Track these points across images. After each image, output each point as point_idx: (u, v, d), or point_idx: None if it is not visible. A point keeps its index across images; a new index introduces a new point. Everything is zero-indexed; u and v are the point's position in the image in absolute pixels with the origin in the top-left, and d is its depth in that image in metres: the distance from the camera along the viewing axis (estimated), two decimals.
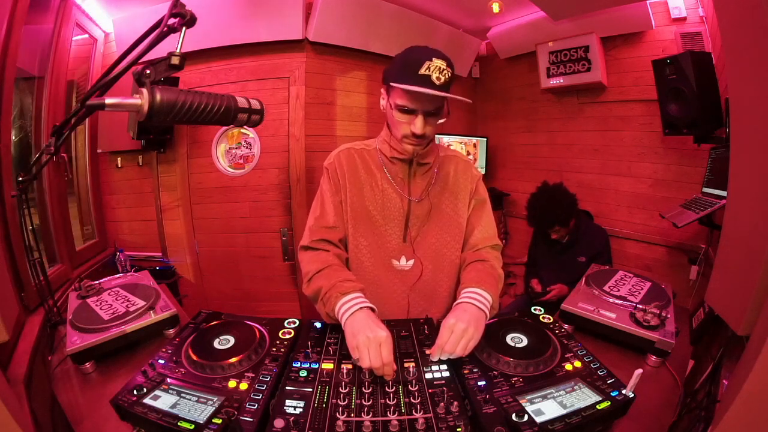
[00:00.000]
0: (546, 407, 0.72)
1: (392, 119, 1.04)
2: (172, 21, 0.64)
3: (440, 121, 1.03)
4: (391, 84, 0.97)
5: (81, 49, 2.32)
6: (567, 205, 2.16)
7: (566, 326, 1.09)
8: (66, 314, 1.17)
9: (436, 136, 1.13)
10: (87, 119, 2.33)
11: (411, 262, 1.13)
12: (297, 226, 2.67)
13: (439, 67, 0.93)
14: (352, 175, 1.12)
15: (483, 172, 3.35)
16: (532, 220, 2.26)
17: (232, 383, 0.81)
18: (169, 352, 0.92)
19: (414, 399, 0.75)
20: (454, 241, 1.15)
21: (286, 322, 1.05)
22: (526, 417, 0.69)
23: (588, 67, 2.60)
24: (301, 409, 0.72)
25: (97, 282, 1.38)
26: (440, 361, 0.86)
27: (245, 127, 0.91)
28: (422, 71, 0.92)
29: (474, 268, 1.06)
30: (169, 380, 0.81)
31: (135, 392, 0.76)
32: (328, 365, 0.85)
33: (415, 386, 0.78)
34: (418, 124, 0.99)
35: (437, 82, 0.93)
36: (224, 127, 2.57)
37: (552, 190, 2.22)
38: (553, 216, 2.15)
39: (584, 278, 1.31)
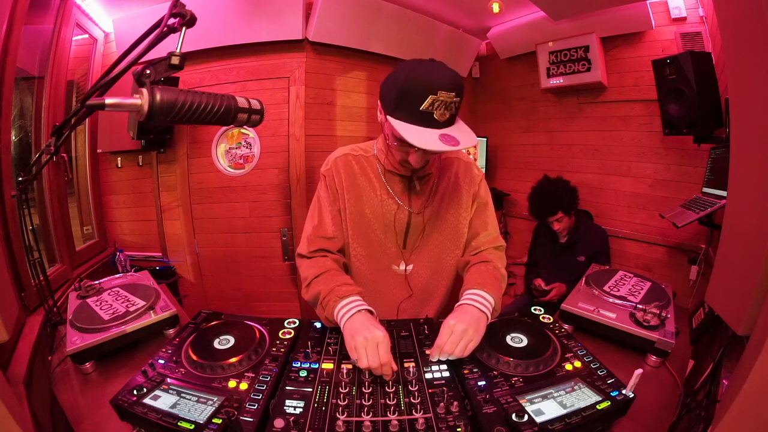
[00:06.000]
0: (546, 407, 0.72)
1: (389, 142, 0.96)
2: (172, 21, 0.64)
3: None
4: (388, 117, 0.87)
5: (81, 49, 2.32)
6: (569, 192, 2.18)
7: (566, 326, 1.09)
8: (66, 314, 1.17)
9: None
10: (87, 119, 2.33)
11: (410, 267, 1.13)
12: (297, 226, 2.67)
13: (446, 102, 0.80)
14: (350, 184, 1.08)
15: (483, 171, 3.35)
16: (535, 209, 2.27)
17: (232, 383, 0.81)
18: (169, 352, 0.92)
19: (414, 399, 0.75)
20: (454, 247, 1.14)
21: (286, 322, 1.05)
22: (526, 417, 0.69)
23: (588, 67, 2.60)
24: (301, 409, 0.72)
25: (97, 282, 1.38)
26: (440, 361, 0.86)
27: (245, 127, 0.90)
28: (424, 107, 0.80)
29: (477, 269, 1.05)
30: (169, 380, 0.81)
31: (135, 392, 0.76)
32: (328, 365, 0.85)
33: (415, 386, 0.78)
34: (416, 160, 0.93)
35: (441, 120, 0.81)
36: (224, 127, 2.57)
37: (554, 180, 2.26)
38: (556, 202, 2.15)
39: (584, 278, 1.31)
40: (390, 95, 0.86)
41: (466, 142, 0.82)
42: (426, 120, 0.81)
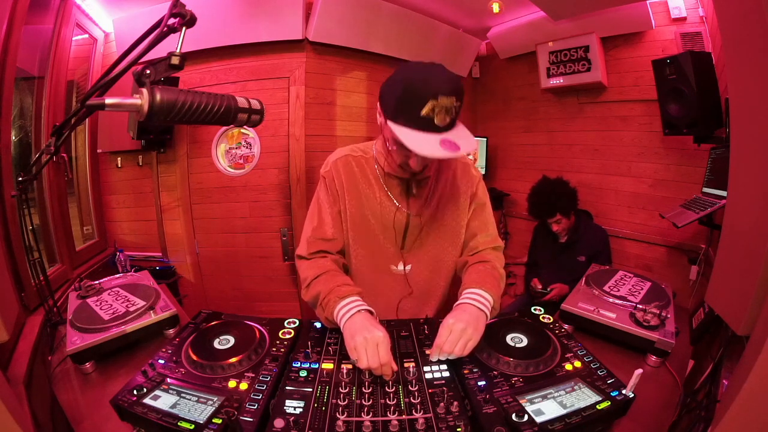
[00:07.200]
0: (546, 407, 0.72)
1: (389, 146, 0.96)
2: (172, 21, 0.64)
3: None
4: (389, 122, 0.85)
5: (81, 49, 2.32)
6: (568, 193, 2.19)
7: (566, 326, 1.09)
8: (66, 314, 1.17)
9: None
10: (87, 119, 2.33)
11: (408, 267, 1.13)
12: (297, 226, 2.67)
13: (446, 107, 0.79)
14: (350, 185, 1.08)
15: (483, 172, 3.35)
16: (534, 209, 2.27)
17: (232, 383, 0.81)
18: (169, 352, 0.92)
19: (414, 399, 0.75)
20: (452, 247, 1.15)
21: (286, 322, 1.05)
22: (526, 417, 0.69)
23: (588, 67, 2.60)
24: (301, 409, 0.72)
25: (97, 282, 1.38)
26: (440, 361, 0.86)
27: (245, 127, 0.90)
28: (425, 112, 0.78)
29: (475, 269, 1.05)
30: (169, 380, 0.81)
31: (135, 392, 0.76)
32: (328, 365, 0.85)
33: (415, 386, 0.78)
34: (416, 163, 0.93)
35: (441, 125, 0.80)
36: (224, 127, 2.57)
37: (553, 181, 2.27)
38: (555, 203, 2.16)
39: (584, 278, 1.31)
40: (390, 101, 0.86)
41: (466, 147, 0.82)
42: (426, 125, 0.80)
